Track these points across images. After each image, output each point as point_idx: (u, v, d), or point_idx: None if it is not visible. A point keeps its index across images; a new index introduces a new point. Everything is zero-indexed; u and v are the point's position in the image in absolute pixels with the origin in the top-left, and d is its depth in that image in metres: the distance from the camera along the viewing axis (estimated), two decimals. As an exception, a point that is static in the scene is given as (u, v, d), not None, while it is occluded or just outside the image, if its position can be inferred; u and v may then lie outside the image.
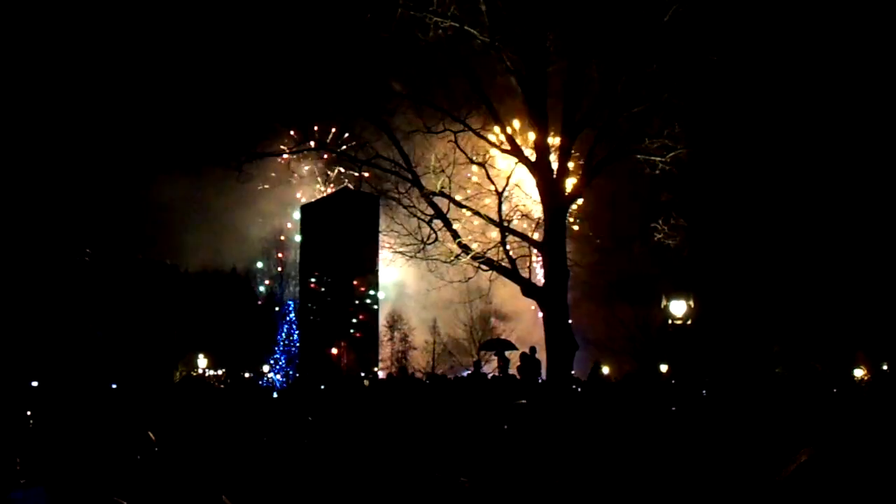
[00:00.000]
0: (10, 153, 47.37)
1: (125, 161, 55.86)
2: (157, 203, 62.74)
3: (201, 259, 67.48)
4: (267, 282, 75.80)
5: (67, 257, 56.66)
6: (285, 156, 22.82)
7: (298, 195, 77.56)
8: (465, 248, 19.88)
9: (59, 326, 53.34)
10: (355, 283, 75.07)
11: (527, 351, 23.20)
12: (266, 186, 64.26)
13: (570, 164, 19.56)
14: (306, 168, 76.22)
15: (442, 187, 19.93)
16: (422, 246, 20.59)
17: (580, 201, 21.93)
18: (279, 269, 76.62)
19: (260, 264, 74.98)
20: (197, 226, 65.58)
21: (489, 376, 27.79)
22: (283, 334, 70.30)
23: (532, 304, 26.23)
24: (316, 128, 23.17)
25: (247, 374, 58.37)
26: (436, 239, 20.44)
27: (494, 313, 59.51)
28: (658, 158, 18.86)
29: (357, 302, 75.65)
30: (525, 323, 56.27)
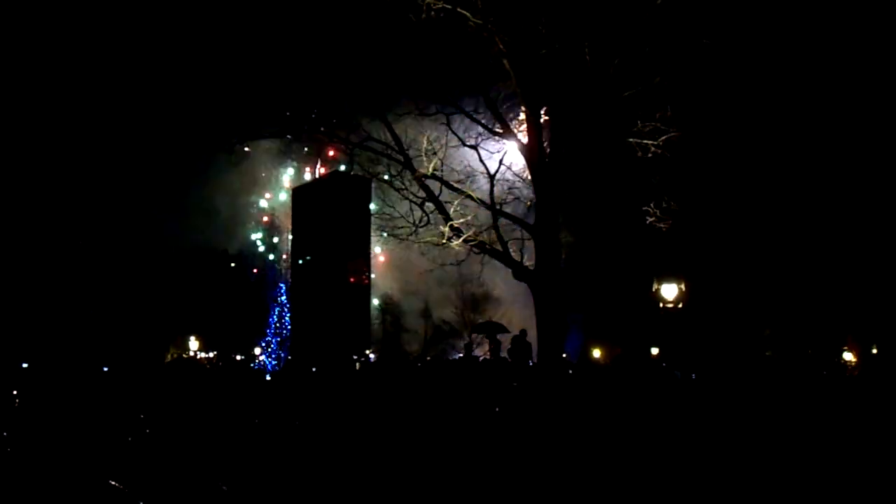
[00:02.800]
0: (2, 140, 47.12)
1: (116, 141, 55.54)
2: (148, 185, 62.48)
3: (192, 241, 67.32)
4: (258, 264, 75.69)
5: (60, 239, 56.46)
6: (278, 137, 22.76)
7: (290, 177, 77.41)
8: (457, 231, 19.88)
9: (51, 308, 53.22)
10: (347, 265, 74.97)
11: (517, 333, 23.26)
12: (265, 173, 64.17)
13: (563, 147, 19.55)
14: (298, 149, 76.14)
15: (434, 170, 19.91)
16: (414, 229, 20.61)
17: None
18: (270, 251, 76.46)
19: (252, 246, 74.89)
20: (187, 208, 65.33)
21: (480, 359, 27.86)
22: (275, 317, 70.26)
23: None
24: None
25: (238, 357, 58.36)
26: (428, 221, 20.44)
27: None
28: (650, 142, 18.85)
29: (349, 284, 75.58)
30: (504, 306, 56.20)
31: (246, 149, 20.63)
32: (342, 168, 61.29)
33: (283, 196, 77.80)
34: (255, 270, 75.42)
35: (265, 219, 76.35)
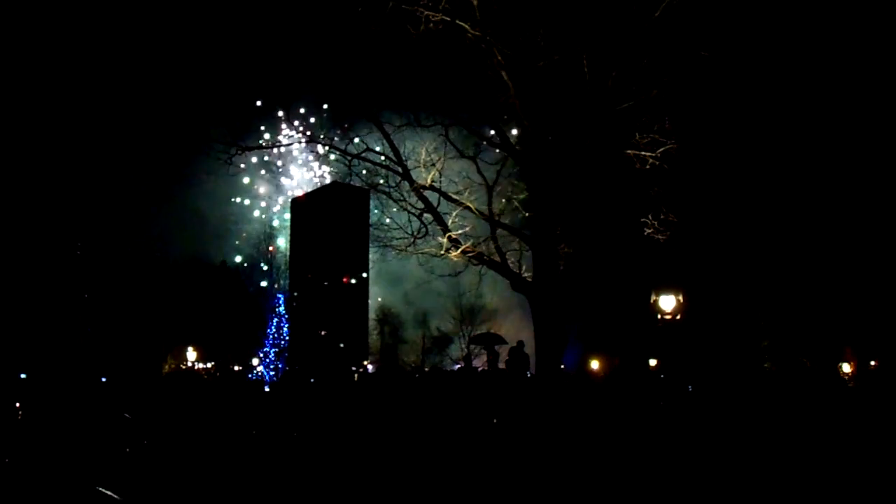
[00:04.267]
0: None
1: (113, 153, 55.64)
2: (146, 196, 62.60)
3: (190, 252, 67.32)
4: (256, 275, 75.66)
5: (58, 250, 56.45)
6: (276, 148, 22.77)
7: (288, 189, 77.59)
8: (456, 242, 19.90)
9: (49, 319, 53.14)
10: (345, 276, 74.95)
11: (515, 345, 23.26)
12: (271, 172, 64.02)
13: (561, 159, 19.58)
14: (296, 161, 76.29)
15: (432, 181, 19.94)
16: (412, 240, 20.63)
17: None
18: (269, 262, 76.45)
19: (249, 257, 74.89)
20: (185, 219, 65.46)
21: (479, 370, 27.85)
22: (273, 328, 70.12)
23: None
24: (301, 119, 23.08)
25: (236, 368, 58.24)
26: (426, 233, 20.46)
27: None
28: (648, 153, 18.90)
29: (347, 296, 75.53)
30: (501, 317, 56.22)
31: (242, 165, 20.51)
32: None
33: (282, 207, 77.91)
34: (253, 281, 75.38)
35: (264, 230, 76.41)
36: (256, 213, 76.19)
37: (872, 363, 39.90)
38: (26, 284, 52.20)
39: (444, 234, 20.00)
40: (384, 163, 20.42)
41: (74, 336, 54.55)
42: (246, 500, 11.42)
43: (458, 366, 43.40)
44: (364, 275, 70.88)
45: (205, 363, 58.79)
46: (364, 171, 21.35)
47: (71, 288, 56.72)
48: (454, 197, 20.23)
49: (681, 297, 24.32)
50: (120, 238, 62.14)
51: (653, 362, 37.93)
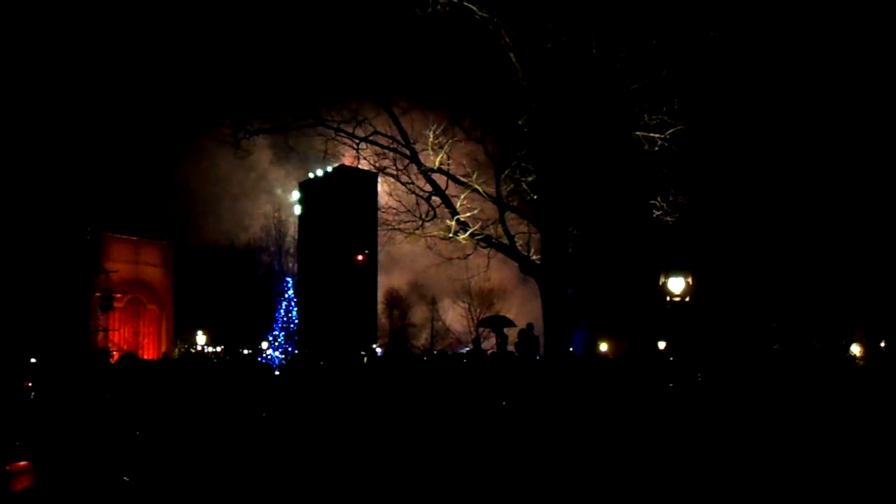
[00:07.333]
0: (9, 133, 47.14)
1: (121, 135, 55.59)
2: (154, 178, 62.59)
3: (199, 235, 67.46)
4: (265, 258, 75.79)
5: (68, 234, 56.57)
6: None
7: (297, 172, 77.53)
8: (464, 225, 19.88)
9: (57, 302, 53.33)
10: (354, 259, 75.02)
11: (524, 328, 23.23)
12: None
13: (570, 141, 19.52)
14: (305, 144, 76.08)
15: (440, 163, 19.89)
16: (420, 223, 20.60)
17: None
18: (277, 245, 76.55)
19: (258, 240, 75.00)
20: (194, 201, 65.45)
21: (488, 353, 27.83)
22: (282, 311, 70.27)
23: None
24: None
25: (246, 351, 58.42)
26: (434, 215, 20.43)
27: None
28: (657, 135, 18.81)
29: (355, 279, 75.65)
30: (510, 300, 56.32)
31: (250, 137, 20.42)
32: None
33: (291, 190, 77.92)
34: (261, 264, 75.48)
35: (272, 213, 76.44)
36: (265, 196, 76.20)
37: (882, 344, 39.85)
38: (35, 269, 52.36)
39: (453, 216, 19.98)
40: (392, 146, 20.36)
41: (82, 319, 54.73)
42: (258, 483, 11.45)
43: (467, 349, 43.46)
44: (364, 254, 70.86)
45: (214, 346, 59.04)
46: (372, 154, 21.32)
47: (79, 270, 56.84)
48: (462, 179, 20.19)
49: (690, 279, 24.31)
50: (129, 222, 62.21)
51: (662, 345, 37.96)
